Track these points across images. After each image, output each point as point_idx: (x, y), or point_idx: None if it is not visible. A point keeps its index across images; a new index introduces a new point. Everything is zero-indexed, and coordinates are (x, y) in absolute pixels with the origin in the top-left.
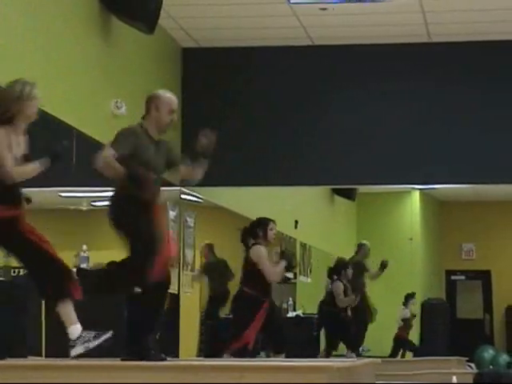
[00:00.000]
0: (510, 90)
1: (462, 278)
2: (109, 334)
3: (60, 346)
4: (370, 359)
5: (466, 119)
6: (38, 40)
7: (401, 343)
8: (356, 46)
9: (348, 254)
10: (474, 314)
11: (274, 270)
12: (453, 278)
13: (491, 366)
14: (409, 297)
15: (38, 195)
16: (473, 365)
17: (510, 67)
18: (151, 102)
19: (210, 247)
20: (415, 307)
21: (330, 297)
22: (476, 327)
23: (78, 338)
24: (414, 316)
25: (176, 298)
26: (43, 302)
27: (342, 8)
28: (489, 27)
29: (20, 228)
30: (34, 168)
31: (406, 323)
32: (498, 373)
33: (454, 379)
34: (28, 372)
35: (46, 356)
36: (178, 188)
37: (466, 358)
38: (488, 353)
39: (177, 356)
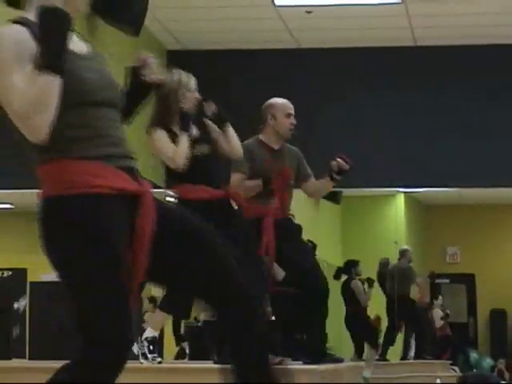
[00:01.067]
0: (496, 95)
1: (447, 281)
2: (157, 360)
3: (44, 348)
4: (354, 362)
5: (452, 124)
6: None
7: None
8: (342, 49)
9: (332, 257)
10: (458, 318)
11: None
12: (437, 281)
13: (475, 370)
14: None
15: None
16: (457, 368)
17: (497, 72)
18: (267, 111)
19: None
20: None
21: (350, 296)
22: (460, 331)
23: (143, 341)
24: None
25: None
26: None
27: (328, 11)
28: (474, 31)
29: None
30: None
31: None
32: (482, 375)
33: (438, 381)
34: (15, 374)
35: (29, 358)
36: (163, 190)
37: (450, 362)
38: (472, 356)
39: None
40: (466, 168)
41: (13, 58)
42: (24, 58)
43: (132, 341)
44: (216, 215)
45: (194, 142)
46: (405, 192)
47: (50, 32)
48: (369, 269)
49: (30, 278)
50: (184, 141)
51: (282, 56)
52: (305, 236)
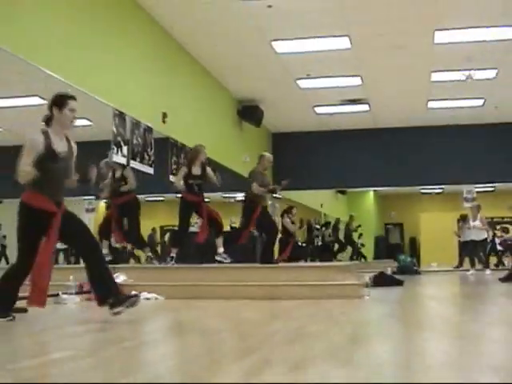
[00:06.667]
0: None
1: (391, 226)
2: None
3: None
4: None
5: (394, 158)
6: (205, 129)
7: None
8: (342, 131)
9: (342, 217)
10: (396, 241)
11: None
12: (387, 226)
13: (403, 263)
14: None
15: None
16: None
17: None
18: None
19: None
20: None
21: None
22: (397, 247)
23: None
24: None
25: None
26: None
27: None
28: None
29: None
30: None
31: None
32: (407, 265)
33: (389, 269)
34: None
35: None
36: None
37: (392, 260)
38: (402, 257)
39: None
40: (396, 178)
41: (29, 149)
42: (33, 151)
43: None
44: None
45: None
46: (374, 190)
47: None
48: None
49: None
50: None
51: (321, 134)
52: (331, 211)
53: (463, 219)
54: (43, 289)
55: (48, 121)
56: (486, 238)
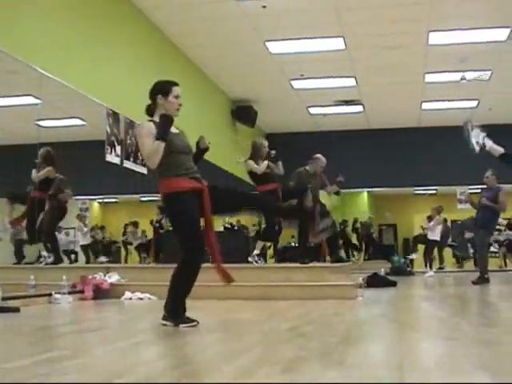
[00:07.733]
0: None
1: (385, 227)
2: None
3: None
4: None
5: (386, 163)
6: (199, 130)
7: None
8: (331, 132)
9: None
10: (389, 242)
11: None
12: (381, 227)
13: (397, 264)
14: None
15: None
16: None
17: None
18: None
19: None
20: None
21: None
22: (390, 247)
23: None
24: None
25: None
26: None
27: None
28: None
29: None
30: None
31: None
32: (400, 266)
33: (382, 270)
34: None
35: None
36: None
37: (386, 261)
38: (396, 257)
39: None
40: (390, 179)
41: (147, 133)
42: (151, 134)
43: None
44: None
45: None
46: (367, 191)
47: (163, 125)
48: (350, 219)
49: None
50: None
51: (311, 135)
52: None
53: (430, 220)
54: (222, 265)
55: (151, 111)
56: (434, 240)
